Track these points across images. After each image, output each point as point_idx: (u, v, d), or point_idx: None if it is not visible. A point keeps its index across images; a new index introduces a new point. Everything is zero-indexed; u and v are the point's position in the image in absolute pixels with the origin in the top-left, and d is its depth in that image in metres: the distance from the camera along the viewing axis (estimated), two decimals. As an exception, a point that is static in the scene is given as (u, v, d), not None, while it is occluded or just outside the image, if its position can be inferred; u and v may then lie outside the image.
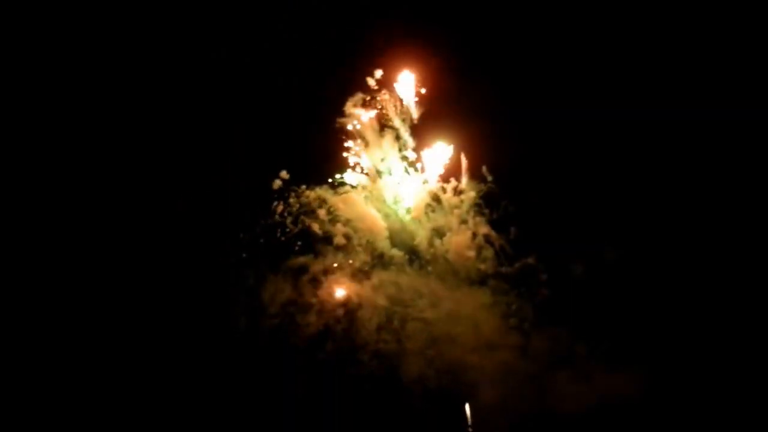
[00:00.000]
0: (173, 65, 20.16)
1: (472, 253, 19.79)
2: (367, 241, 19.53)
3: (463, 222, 19.89)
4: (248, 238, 19.30)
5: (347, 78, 19.82)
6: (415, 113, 19.88)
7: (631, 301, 19.51)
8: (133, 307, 19.01)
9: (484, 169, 19.96)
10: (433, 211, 20.00)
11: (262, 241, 19.29)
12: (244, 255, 19.22)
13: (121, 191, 19.63)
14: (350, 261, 19.42)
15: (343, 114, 19.68)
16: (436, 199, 19.98)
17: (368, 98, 19.81)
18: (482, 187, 19.98)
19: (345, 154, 19.87)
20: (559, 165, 20.03)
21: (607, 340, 19.24)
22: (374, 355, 18.96)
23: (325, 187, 19.70)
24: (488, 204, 20.00)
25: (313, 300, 19.11)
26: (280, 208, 19.46)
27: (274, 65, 20.10)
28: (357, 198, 19.73)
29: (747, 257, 19.45)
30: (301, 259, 19.31)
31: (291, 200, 19.49)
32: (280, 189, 19.60)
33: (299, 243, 19.42)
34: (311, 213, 19.39)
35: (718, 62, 19.81)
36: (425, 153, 20.02)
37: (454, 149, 20.01)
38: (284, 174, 19.55)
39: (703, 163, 19.77)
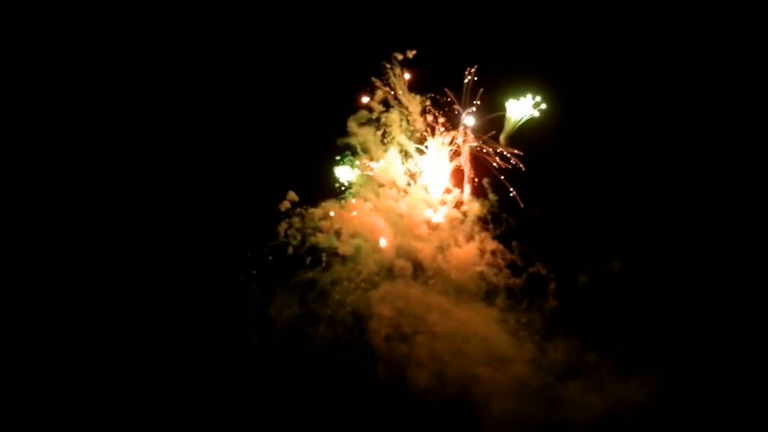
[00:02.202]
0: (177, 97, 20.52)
1: (477, 268, 20.10)
2: (374, 252, 19.80)
3: (468, 236, 20.26)
4: (256, 256, 19.63)
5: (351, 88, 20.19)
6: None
7: (639, 308, 19.63)
8: (142, 323, 19.14)
9: (486, 182, 20.34)
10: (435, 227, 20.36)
11: (270, 258, 19.67)
12: (254, 272, 19.58)
13: (131, 206, 19.86)
14: (358, 272, 19.69)
15: (346, 133, 20.09)
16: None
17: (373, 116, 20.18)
18: (485, 201, 20.34)
19: (350, 168, 20.24)
20: (561, 174, 20.30)
21: (616, 348, 19.40)
22: (384, 366, 19.16)
23: (331, 200, 20.00)
24: (492, 218, 20.30)
25: (323, 311, 19.42)
26: (286, 227, 19.76)
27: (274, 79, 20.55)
28: (363, 210, 19.99)
29: (755, 262, 19.57)
30: (309, 273, 19.56)
31: (296, 220, 19.86)
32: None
33: (308, 257, 19.62)
34: (317, 229, 19.72)
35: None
36: (428, 166, 20.42)
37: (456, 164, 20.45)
38: (293, 195, 20.07)
39: (710, 166, 20.03)
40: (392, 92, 20.01)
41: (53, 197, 19.61)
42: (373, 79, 20.02)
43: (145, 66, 20.38)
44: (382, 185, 20.13)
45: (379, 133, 20.11)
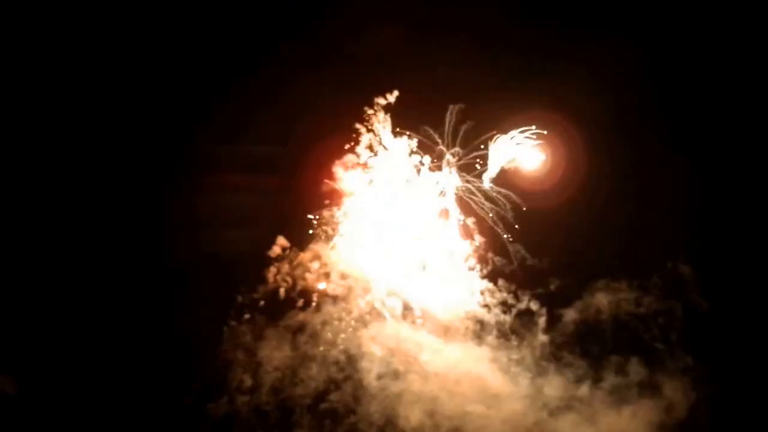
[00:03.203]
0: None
1: (466, 307, 20.32)
2: (364, 292, 19.99)
3: (455, 276, 20.53)
4: (247, 301, 19.86)
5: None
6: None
7: (628, 339, 19.83)
8: (130, 368, 19.18)
9: (471, 223, 20.73)
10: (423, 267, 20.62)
11: (261, 303, 19.94)
12: (246, 316, 19.84)
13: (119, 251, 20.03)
14: (349, 312, 19.88)
15: (332, 177, 20.49)
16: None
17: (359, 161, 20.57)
18: (472, 242, 20.65)
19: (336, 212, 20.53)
20: (547, 211, 20.53)
21: (608, 380, 19.51)
22: (377, 404, 19.15)
23: (320, 242, 20.28)
24: (479, 258, 20.60)
25: (315, 352, 19.55)
26: (275, 271, 20.01)
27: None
28: (353, 249, 20.26)
29: (741, 291, 19.77)
30: (300, 315, 19.73)
31: (286, 265, 20.13)
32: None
33: (299, 299, 19.83)
34: (306, 271, 20.01)
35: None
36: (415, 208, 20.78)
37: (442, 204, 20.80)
38: (283, 241, 20.43)
39: (692, 202, 20.24)
40: (377, 137, 20.56)
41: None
42: (357, 125, 20.47)
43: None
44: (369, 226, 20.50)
45: (366, 177, 20.56)
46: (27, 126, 20.10)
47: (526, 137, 20.33)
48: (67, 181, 20.10)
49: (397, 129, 20.48)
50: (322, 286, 19.95)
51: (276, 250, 20.16)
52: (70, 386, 19.04)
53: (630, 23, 20.66)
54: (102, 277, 19.82)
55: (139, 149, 20.54)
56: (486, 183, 20.48)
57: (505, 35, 20.58)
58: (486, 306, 20.23)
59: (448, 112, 20.19)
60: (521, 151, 20.34)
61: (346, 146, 20.43)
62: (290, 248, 20.18)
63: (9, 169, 19.81)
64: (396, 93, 20.22)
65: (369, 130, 20.45)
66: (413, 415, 19.14)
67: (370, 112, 20.37)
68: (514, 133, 20.34)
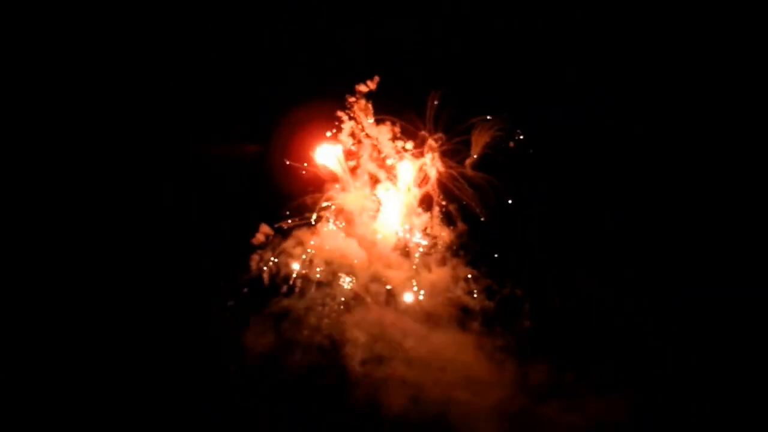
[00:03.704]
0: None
1: (450, 294, 20.29)
2: (348, 277, 19.97)
3: (439, 263, 20.49)
4: (230, 288, 19.80)
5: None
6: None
7: (615, 325, 19.79)
8: (114, 357, 19.06)
9: (454, 209, 20.69)
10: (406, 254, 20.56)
11: (245, 290, 19.84)
12: (229, 303, 19.75)
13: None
14: (333, 297, 19.83)
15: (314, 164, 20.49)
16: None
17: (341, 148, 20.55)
18: (454, 228, 20.62)
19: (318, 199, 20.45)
20: (530, 196, 20.61)
21: (594, 366, 19.44)
22: (361, 390, 19.07)
23: (303, 228, 20.23)
24: (462, 244, 20.59)
25: (299, 337, 19.45)
26: (258, 259, 19.98)
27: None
28: (335, 236, 20.22)
29: (729, 277, 19.70)
30: (284, 301, 19.69)
31: (268, 252, 20.12)
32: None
33: (282, 285, 19.81)
34: (289, 257, 19.95)
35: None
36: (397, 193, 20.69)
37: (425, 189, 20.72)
38: (266, 228, 20.36)
39: (681, 190, 20.33)
40: (358, 125, 20.57)
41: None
42: (338, 113, 20.45)
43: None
44: (352, 212, 20.45)
45: (348, 163, 20.57)
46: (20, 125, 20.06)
47: (510, 123, 20.43)
48: (62, 178, 20.08)
49: (379, 116, 20.44)
50: (305, 271, 19.91)
51: (259, 238, 20.18)
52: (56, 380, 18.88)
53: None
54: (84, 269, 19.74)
55: (120, 146, 20.52)
56: (469, 169, 20.49)
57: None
58: (470, 292, 20.21)
59: (430, 97, 20.18)
60: (505, 137, 20.43)
61: (328, 133, 20.45)
62: (273, 235, 20.18)
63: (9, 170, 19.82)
64: (377, 78, 20.20)
65: (351, 118, 20.44)
66: (397, 401, 19.04)
67: (352, 99, 20.38)
68: (497, 118, 20.37)
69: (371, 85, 20.23)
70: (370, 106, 20.33)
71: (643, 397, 19.08)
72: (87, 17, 20.28)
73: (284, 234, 20.16)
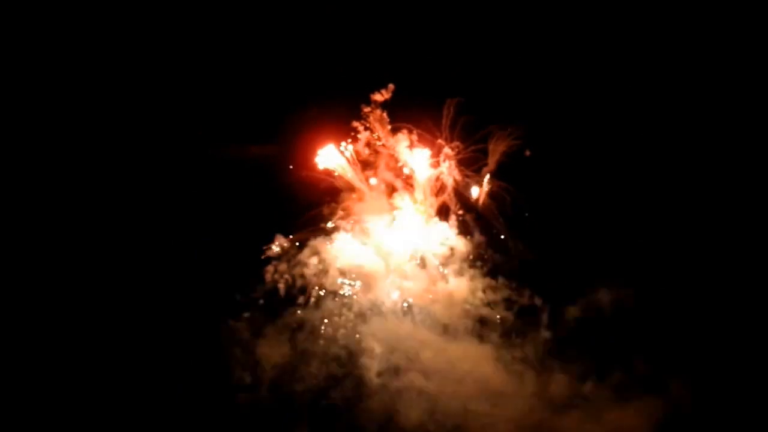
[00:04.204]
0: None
1: (467, 305, 20.16)
2: (364, 288, 19.89)
3: (456, 273, 20.37)
4: (246, 299, 19.78)
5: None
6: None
7: (632, 334, 19.60)
8: (131, 365, 19.04)
9: (471, 217, 20.54)
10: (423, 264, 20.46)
11: (261, 302, 19.82)
12: (245, 314, 19.72)
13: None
14: (349, 307, 19.73)
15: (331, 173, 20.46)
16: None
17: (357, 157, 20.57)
18: (471, 238, 20.54)
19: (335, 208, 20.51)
20: (547, 206, 20.54)
21: (612, 377, 19.24)
22: (378, 401, 18.85)
23: (319, 238, 20.20)
24: (479, 254, 20.49)
25: (315, 348, 19.40)
26: (273, 270, 19.96)
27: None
28: (352, 245, 20.18)
29: (743, 286, 19.58)
30: (299, 311, 19.63)
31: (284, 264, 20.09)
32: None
33: (298, 296, 19.76)
34: (305, 267, 19.90)
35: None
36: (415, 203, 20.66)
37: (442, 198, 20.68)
38: (281, 239, 20.31)
39: (694, 197, 20.26)
40: (375, 134, 20.51)
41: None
42: (355, 123, 20.43)
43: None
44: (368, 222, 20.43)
45: (365, 173, 20.55)
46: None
47: (528, 132, 20.32)
48: (65, 179, 20.19)
49: (395, 124, 20.43)
50: (321, 282, 19.84)
51: (275, 249, 20.14)
52: (71, 385, 18.85)
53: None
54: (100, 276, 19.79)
55: (133, 149, 20.68)
56: (485, 177, 20.42)
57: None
58: (488, 303, 20.07)
59: (446, 106, 20.10)
60: (520, 146, 20.33)
61: (345, 143, 20.42)
62: (289, 246, 20.15)
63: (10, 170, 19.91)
64: (392, 87, 20.15)
65: (367, 128, 20.42)
66: (414, 412, 18.87)
67: (367, 109, 20.34)
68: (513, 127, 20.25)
69: (386, 94, 20.22)
70: (385, 115, 20.32)
71: (663, 408, 18.85)
72: (101, 20, 20.58)
73: (300, 244, 20.16)
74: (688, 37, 20.60)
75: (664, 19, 20.79)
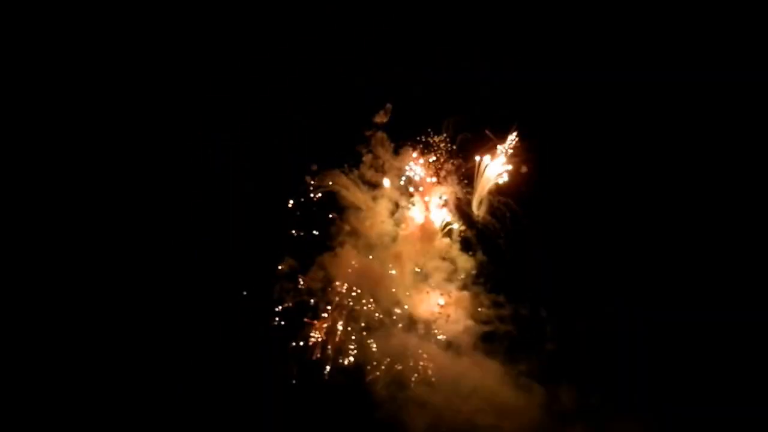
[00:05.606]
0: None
1: (471, 319, 20.43)
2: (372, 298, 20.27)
3: (460, 288, 20.67)
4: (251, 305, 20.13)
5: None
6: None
7: (637, 347, 19.66)
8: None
9: (471, 234, 20.87)
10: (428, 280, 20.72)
11: (266, 310, 20.10)
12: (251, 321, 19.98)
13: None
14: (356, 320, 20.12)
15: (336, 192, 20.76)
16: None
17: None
18: (473, 254, 20.83)
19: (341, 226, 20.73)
20: (547, 223, 20.67)
21: (617, 389, 19.31)
22: (385, 413, 19.23)
23: (326, 254, 20.42)
24: (482, 270, 20.74)
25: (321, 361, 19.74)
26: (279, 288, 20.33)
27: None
28: (357, 260, 20.43)
29: (747, 299, 19.60)
30: (307, 325, 19.98)
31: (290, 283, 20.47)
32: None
33: (306, 310, 20.17)
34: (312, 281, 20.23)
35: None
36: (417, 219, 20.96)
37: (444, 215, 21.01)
38: (291, 261, 20.62)
39: (696, 211, 20.24)
40: (377, 154, 20.90)
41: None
42: (357, 147, 20.86)
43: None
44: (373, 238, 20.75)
45: (368, 190, 20.89)
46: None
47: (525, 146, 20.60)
48: (71, 179, 20.37)
49: (397, 141, 20.85)
50: (327, 297, 20.25)
51: (282, 268, 20.49)
52: (71, 385, 19.17)
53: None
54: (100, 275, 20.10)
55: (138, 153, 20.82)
56: (485, 193, 20.74)
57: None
58: (492, 317, 20.32)
59: (444, 124, 20.59)
60: (520, 161, 20.61)
61: (348, 163, 20.86)
62: (296, 264, 20.49)
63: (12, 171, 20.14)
64: (389, 106, 20.60)
65: (367, 149, 20.82)
66: (420, 425, 19.14)
67: (369, 133, 20.80)
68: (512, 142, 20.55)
69: (384, 116, 20.68)
70: (385, 136, 20.81)
71: (668, 421, 18.96)
72: (100, 19, 20.61)
73: (307, 260, 20.47)
74: (689, 37, 20.64)
75: (665, 24, 20.89)
